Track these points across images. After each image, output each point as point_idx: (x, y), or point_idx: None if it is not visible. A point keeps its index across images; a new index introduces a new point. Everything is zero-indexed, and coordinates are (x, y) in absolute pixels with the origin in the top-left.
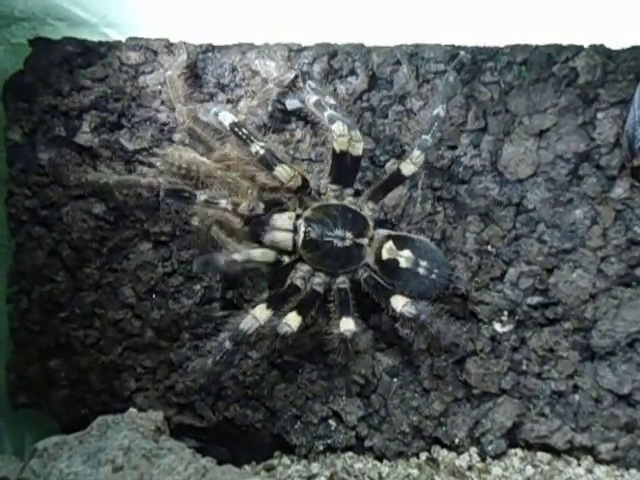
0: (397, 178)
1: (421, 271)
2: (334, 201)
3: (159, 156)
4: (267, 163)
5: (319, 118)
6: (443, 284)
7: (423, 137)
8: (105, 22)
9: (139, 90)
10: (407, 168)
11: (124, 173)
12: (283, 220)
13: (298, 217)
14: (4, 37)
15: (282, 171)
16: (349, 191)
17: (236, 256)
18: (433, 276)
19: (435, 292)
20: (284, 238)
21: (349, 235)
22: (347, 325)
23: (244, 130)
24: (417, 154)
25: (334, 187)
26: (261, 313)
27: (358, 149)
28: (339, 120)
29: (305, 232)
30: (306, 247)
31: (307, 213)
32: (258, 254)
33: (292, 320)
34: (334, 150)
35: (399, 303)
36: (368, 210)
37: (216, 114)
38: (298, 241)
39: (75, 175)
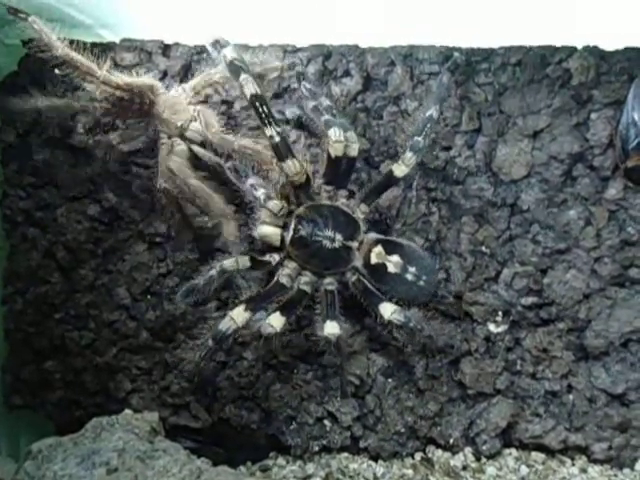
0: (389, 180)
1: (409, 277)
2: (327, 202)
3: None
4: (279, 152)
5: (316, 123)
6: (431, 291)
7: (415, 138)
8: (100, 23)
9: None
10: (399, 169)
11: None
12: (274, 215)
13: (290, 213)
14: None
15: (292, 165)
16: (343, 192)
17: (212, 272)
18: (421, 282)
19: (423, 298)
20: (273, 233)
21: (339, 237)
22: (332, 329)
23: (265, 108)
24: (409, 156)
25: (328, 188)
26: (238, 315)
27: (354, 150)
28: (335, 126)
29: (295, 229)
30: (294, 244)
31: (299, 210)
32: (230, 263)
33: (275, 320)
34: (329, 155)
35: (387, 311)
36: (360, 213)
37: (238, 74)
38: (287, 238)
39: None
